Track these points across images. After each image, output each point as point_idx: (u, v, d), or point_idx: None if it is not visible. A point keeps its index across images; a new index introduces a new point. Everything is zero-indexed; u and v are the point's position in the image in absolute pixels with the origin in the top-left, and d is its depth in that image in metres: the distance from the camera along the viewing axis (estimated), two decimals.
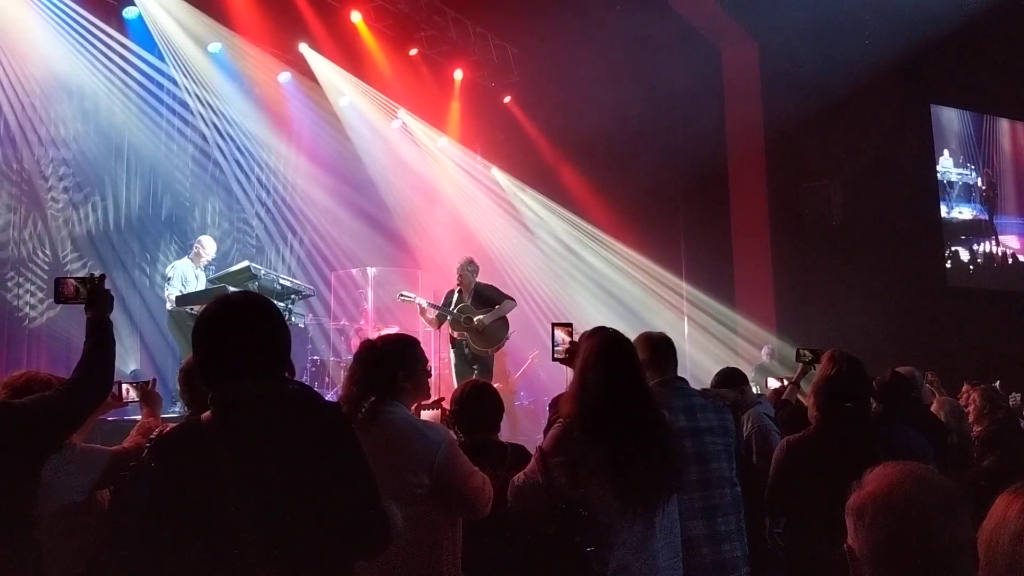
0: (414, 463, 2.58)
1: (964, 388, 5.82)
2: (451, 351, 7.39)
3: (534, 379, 10.14)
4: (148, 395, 3.30)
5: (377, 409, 2.64)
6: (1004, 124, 13.67)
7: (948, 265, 12.80)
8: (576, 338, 2.87)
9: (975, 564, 1.34)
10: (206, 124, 9.02)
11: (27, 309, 7.50)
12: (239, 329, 1.91)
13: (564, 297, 11.75)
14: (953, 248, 12.93)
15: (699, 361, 10.81)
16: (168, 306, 7.11)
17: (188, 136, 9.00)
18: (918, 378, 4.88)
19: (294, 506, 1.79)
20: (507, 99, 11.92)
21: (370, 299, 9.38)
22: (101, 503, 2.88)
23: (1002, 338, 10.96)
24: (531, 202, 12.35)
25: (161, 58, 8.59)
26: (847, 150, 11.84)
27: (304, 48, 9.82)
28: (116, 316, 2.78)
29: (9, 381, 2.77)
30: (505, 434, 3.60)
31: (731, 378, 4.43)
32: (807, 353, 4.47)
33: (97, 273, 2.83)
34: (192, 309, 6.70)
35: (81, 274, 3.70)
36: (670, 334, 3.29)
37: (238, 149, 9.39)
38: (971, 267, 13.09)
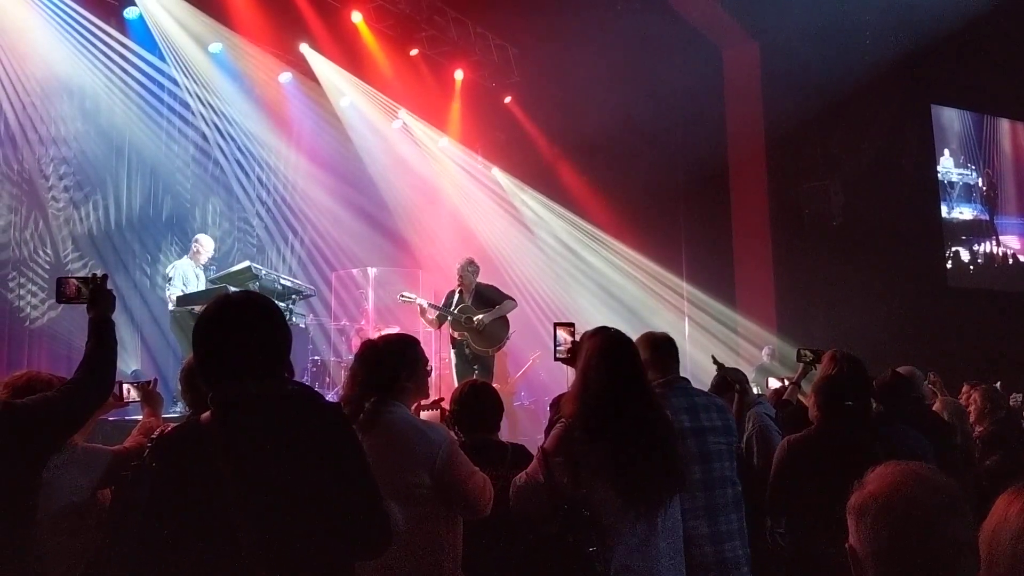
0: (415, 463, 2.58)
1: (964, 388, 5.82)
2: (451, 351, 7.39)
3: (534, 379, 10.14)
4: (149, 395, 3.30)
5: (379, 409, 2.64)
6: (1005, 124, 13.66)
7: (949, 265, 12.79)
8: (578, 338, 2.87)
9: (976, 564, 1.34)
10: (207, 124, 9.03)
11: (28, 309, 7.51)
12: (239, 329, 1.91)
13: (565, 297, 11.75)
14: (954, 248, 12.93)
15: (700, 361, 10.79)
16: (169, 306, 7.11)
17: (189, 136, 9.01)
18: (918, 377, 4.88)
19: (294, 506, 1.79)
20: (508, 99, 11.93)
21: (371, 299, 9.39)
22: (103, 503, 2.88)
23: (1003, 338, 10.96)
24: (532, 202, 12.36)
25: (162, 58, 8.59)
26: (848, 150, 11.84)
27: (305, 48, 9.83)
28: (117, 316, 2.78)
29: (11, 381, 2.77)
30: (505, 434, 3.61)
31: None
32: (808, 353, 4.47)
33: (99, 273, 2.83)
34: (193, 309, 6.70)
35: (82, 274, 3.70)
36: (671, 334, 3.29)
37: (239, 149, 9.40)
38: (971, 267, 13.09)
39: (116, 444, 2.98)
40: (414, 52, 10.66)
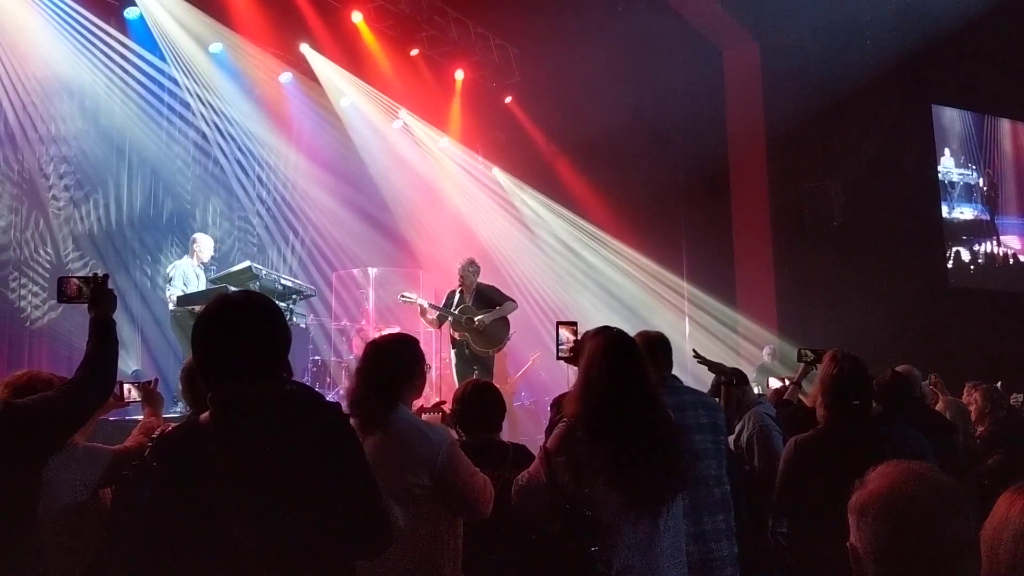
0: (416, 464, 2.58)
1: (966, 388, 5.82)
2: (452, 351, 7.38)
3: (535, 379, 10.14)
4: (150, 395, 3.31)
5: (382, 410, 2.64)
6: (1005, 124, 13.65)
7: (949, 265, 12.78)
8: (580, 337, 2.87)
9: (978, 563, 1.34)
10: (207, 124, 9.03)
11: (29, 309, 7.50)
12: (239, 329, 1.91)
13: (565, 297, 11.75)
14: (954, 248, 12.91)
15: None
16: (170, 306, 7.11)
17: (189, 136, 9.01)
18: (917, 376, 4.88)
19: (294, 506, 1.79)
20: (508, 99, 11.93)
21: (371, 299, 9.38)
22: (103, 502, 2.88)
23: (1003, 338, 10.94)
24: (532, 202, 12.36)
25: (162, 58, 8.59)
26: (848, 150, 11.83)
27: (305, 48, 9.83)
28: (118, 316, 2.78)
29: (11, 380, 2.77)
30: (505, 434, 3.61)
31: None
32: (808, 353, 4.47)
33: (100, 272, 2.83)
34: (194, 309, 6.70)
35: (83, 273, 3.69)
36: (671, 334, 3.28)
37: (239, 149, 9.40)
38: (972, 267, 13.08)
39: (117, 444, 2.98)
40: (414, 52, 10.67)
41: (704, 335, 11.71)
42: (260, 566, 1.72)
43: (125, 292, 7.85)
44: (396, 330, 6.86)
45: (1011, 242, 13.46)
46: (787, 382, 4.80)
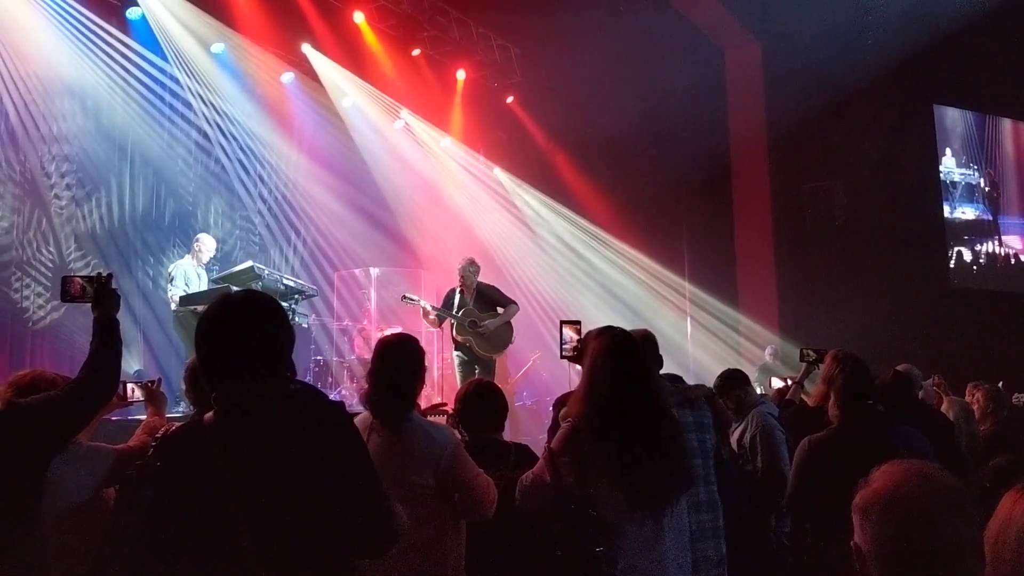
0: (420, 464, 2.59)
1: (968, 389, 5.82)
2: (454, 352, 7.36)
3: (536, 379, 10.14)
4: (153, 395, 3.31)
5: (394, 411, 2.65)
6: (1007, 124, 13.64)
7: (951, 265, 12.78)
8: (584, 337, 2.87)
9: (981, 563, 1.34)
10: (209, 124, 9.03)
11: (32, 309, 7.51)
12: (242, 329, 1.91)
13: (567, 297, 11.75)
14: (956, 248, 12.90)
15: (702, 361, 10.80)
16: (172, 306, 7.12)
17: (191, 136, 9.01)
18: (917, 376, 4.88)
19: (297, 505, 1.79)
20: (510, 99, 11.93)
21: (373, 299, 9.39)
22: (107, 501, 2.88)
23: (1005, 339, 10.94)
24: (533, 202, 12.36)
25: (164, 58, 8.59)
26: (850, 150, 11.84)
27: (307, 48, 9.83)
28: (120, 316, 2.77)
29: (15, 380, 2.77)
30: (507, 434, 3.61)
31: (732, 380, 4.43)
32: (810, 353, 4.47)
33: (104, 272, 2.83)
34: (196, 309, 6.70)
35: (86, 273, 3.69)
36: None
37: (241, 149, 9.40)
38: (974, 267, 13.07)
39: (120, 444, 2.98)
40: (416, 52, 10.67)
41: (706, 335, 11.70)
42: (262, 566, 1.72)
43: (128, 292, 7.84)
44: (398, 330, 6.88)
45: (1013, 242, 13.45)
46: (789, 382, 4.81)
